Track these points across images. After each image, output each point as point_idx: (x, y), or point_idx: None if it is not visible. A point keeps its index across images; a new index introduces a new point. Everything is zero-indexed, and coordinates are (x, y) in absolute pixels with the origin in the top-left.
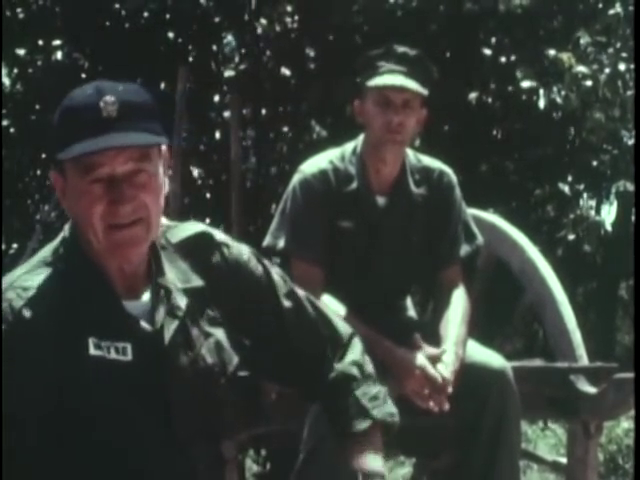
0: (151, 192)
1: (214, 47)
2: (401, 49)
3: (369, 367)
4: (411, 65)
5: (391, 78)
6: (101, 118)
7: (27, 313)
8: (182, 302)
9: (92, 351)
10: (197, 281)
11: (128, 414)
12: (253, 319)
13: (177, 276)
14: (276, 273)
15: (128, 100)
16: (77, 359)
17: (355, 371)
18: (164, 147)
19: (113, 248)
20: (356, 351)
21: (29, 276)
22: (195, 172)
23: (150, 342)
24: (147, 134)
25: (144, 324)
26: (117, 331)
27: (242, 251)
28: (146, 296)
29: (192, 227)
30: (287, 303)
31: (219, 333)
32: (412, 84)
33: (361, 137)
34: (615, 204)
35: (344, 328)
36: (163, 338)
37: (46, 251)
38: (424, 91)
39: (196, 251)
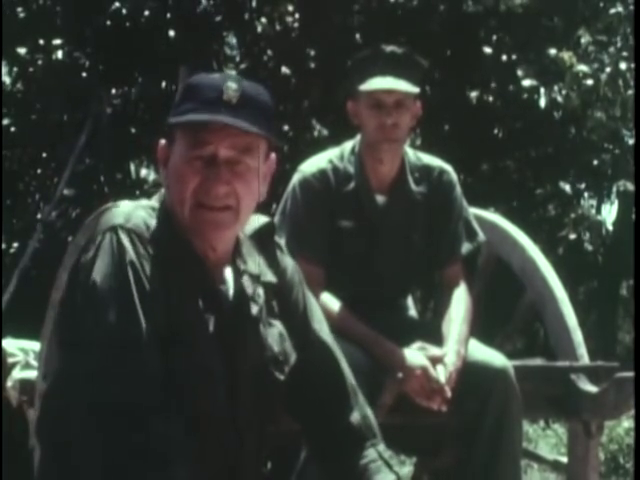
0: (246, 184)
1: (215, 46)
2: (389, 49)
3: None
4: (400, 64)
5: (380, 81)
6: (221, 99)
7: (157, 234)
8: (261, 291)
9: (187, 305)
10: (271, 277)
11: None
12: (289, 326)
13: (255, 268)
14: (313, 297)
15: (249, 93)
16: (176, 305)
17: (376, 430)
18: (273, 155)
19: (197, 228)
20: (369, 410)
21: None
22: None
23: (230, 322)
24: (257, 127)
25: (228, 304)
26: (205, 303)
27: (291, 260)
28: (229, 280)
29: (260, 218)
30: (318, 326)
31: (280, 325)
32: (402, 84)
33: (359, 136)
34: (616, 203)
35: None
36: (243, 320)
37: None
38: (415, 89)
39: (265, 245)
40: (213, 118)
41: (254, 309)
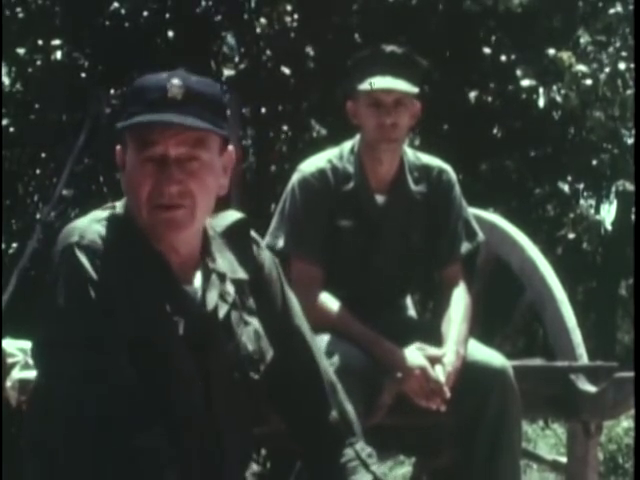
0: (200, 181)
1: (214, 46)
2: (389, 48)
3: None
4: (400, 64)
5: (380, 80)
6: (165, 97)
7: (114, 245)
8: (231, 289)
9: (154, 309)
10: (242, 274)
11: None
12: (267, 322)
13: (225, 265)
14: (292, 292)
15: (195, 88)
16: (144, 310)
17: (356, 427)
18: (230, 148)
19: (155, 228)
20: (349, 406)
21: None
22: None
23: (201, 323)
24: (205, 122)
25: (197, 305)
26: (172, 306)
27: (269, 255)
28: (197, 281)
29: (232, 215)
30: (297, 322)
31: (255, 322)
32: (401, 84)
33: (358, 136)
34: (615, 203)
35: (334, 377)
36: (213, 320)
37: (102, 215)
38: (414, 89)
39: (238, 242)
40: (157, 118)
41: (223, 308)
